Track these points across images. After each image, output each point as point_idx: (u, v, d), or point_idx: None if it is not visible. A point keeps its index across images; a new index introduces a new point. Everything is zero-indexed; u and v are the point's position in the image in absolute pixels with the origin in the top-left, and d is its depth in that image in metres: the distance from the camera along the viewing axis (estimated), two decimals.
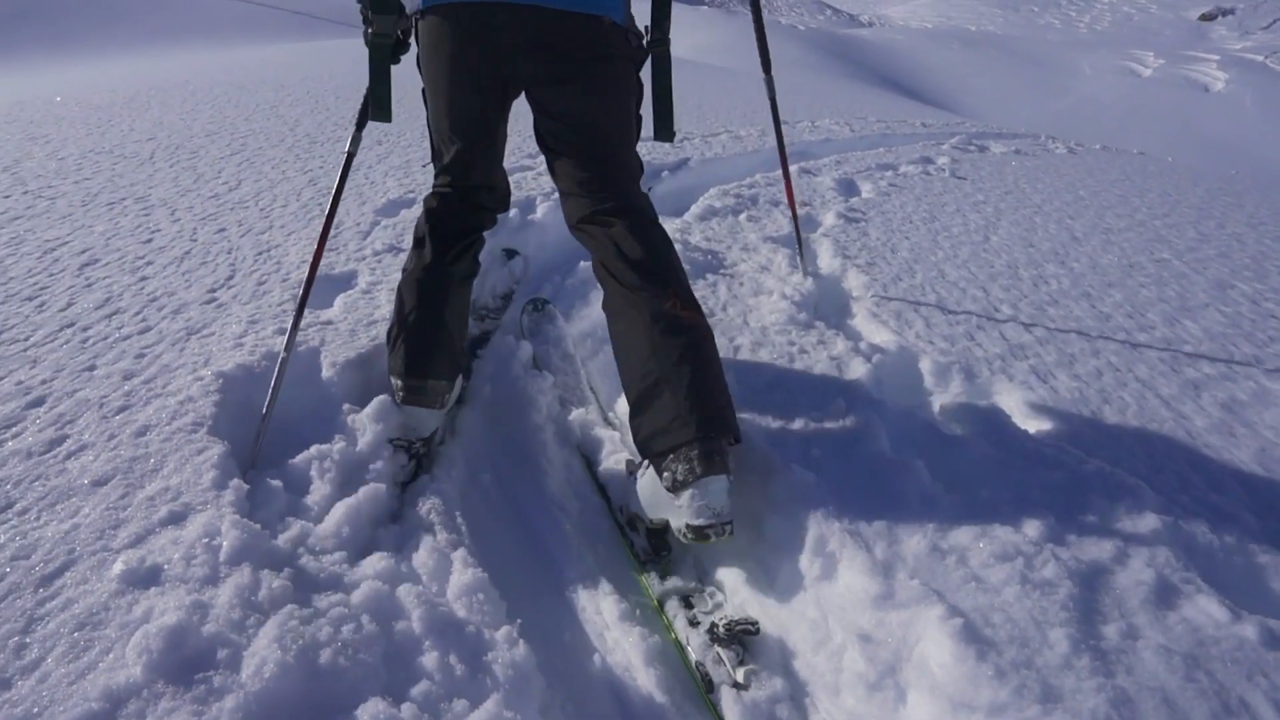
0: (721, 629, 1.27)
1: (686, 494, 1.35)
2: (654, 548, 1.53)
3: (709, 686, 1.23)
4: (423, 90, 1.71)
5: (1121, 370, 2.06)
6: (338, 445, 1.56)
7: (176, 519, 1.26)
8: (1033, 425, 1.76)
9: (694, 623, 1.33)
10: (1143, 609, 1.17)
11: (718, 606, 1.37)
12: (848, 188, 4.06)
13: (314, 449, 1.54)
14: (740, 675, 1.21)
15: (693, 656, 1.28)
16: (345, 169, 1.79)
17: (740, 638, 1.27)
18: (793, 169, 4.42)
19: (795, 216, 2.49)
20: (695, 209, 3.30)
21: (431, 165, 1.82)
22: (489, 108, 1.65)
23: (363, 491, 1.55)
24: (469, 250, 1.77)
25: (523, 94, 1.66)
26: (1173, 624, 1.15)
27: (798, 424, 1.65)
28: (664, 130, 1.75)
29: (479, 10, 1.49)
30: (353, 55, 9.95)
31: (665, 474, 1.39)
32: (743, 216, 3.24)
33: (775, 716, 1.17)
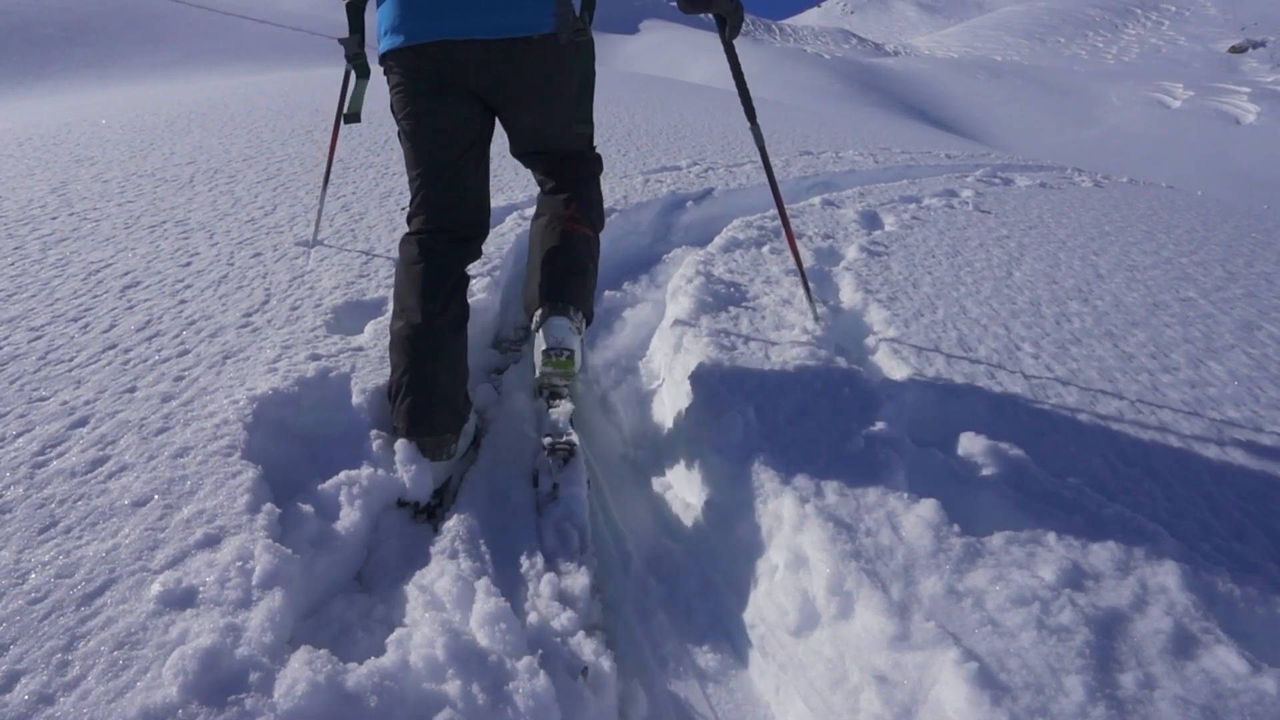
0: (548, 447, 1.78)
1: (539, 334, 1.85)
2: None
3: (534, 482, 1.78)
4: (399, 134, 1.87)
5: (1144, 412, 2.06)
6: (366, 471, 1.60)
7: (212, 541, 1.30)
8: (1052, 467, 1.76)
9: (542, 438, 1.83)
10: (1160, 658, 1.17)
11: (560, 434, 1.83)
12: (871, 220, 4.08)
13: (343, 474, 1.58)
14: (558, 479, 1.73)
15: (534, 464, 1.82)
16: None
17: (562, 455, 1.76)
18: (816, 200, 4.47)
19: (800, 265, 2.48)
20: (719, 240, 3.34)
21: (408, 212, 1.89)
22: (460, 119, 1.80)
23: (390, 518, 1.60)
24: (455, 296, 1.80)
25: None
26: (1191, 675, 1.15)
27: (816, 461, 1.67)
28: (578, 119, 1.91)
29: (434, 50, 1.70)
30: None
31: (532, 328, 1.90)
32: (765, 249, 3.28)
33: (573, 512, 1.68)
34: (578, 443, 1.81)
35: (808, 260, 3.17)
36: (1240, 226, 5.43)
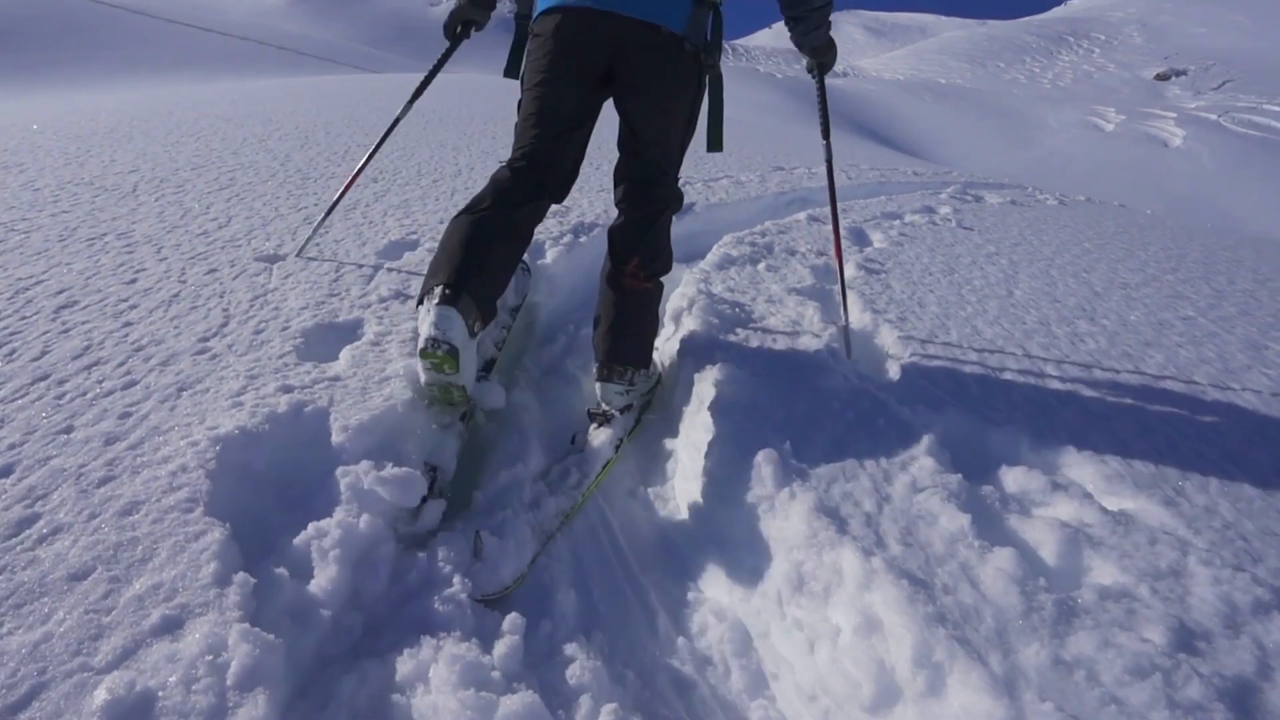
0: (589, 413, 2.06)
1: (596, 389, 2.04)
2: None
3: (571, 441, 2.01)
4: (524, 89, 1.99)
5: (1190, 439, 1.94)
6: (354, 521, 1.37)
7: (172, 626, 1.05)
8: (1115, 502, 1.62)
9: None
10: None
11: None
12: (859, 237, 3.97)
13: (330, 528, 1.35)
14: (587, 435, 1.99)
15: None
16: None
17: (598, 420, 2.03)
18: (801, 216, 4.35)
19: (844, 299, 2.38)
20: (712, 258, 3.17)
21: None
22: (580, 98, 1.94)
23: (377, 578, 1.36)
24: (530, 221, 1.97)
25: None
26: None
27: (865, 503, 1.49)
28: (711, 142, 2.07)
29: (582, 15, 1.83)
30: (343, 91, 9.85)
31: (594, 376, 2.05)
32: (761, 266, 3.12)
33: (585, 458, 1.90)
34: (618, 416, 2.02)
35: (807, 279, 3.03)
36: (1207, 245, 5.51)
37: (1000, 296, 3.06)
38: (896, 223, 4.46)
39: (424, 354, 1.67)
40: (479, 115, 7.69)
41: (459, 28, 2.24)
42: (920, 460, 1.65)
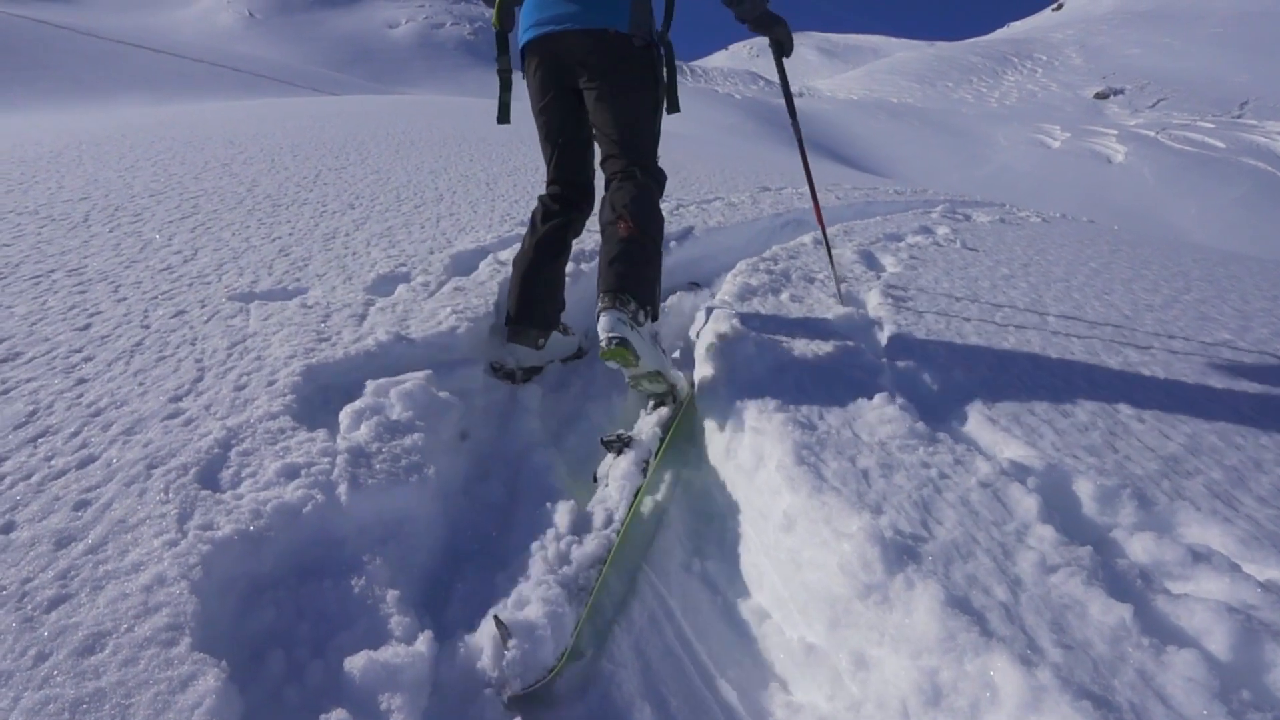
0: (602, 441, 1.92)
1: (598, 320, 1.94)
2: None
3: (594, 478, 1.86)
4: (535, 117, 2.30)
5: None
6: (390, 648, 1.09)
7: None
8: (1260, 571, 1.40)
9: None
10: None
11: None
12: (869, 260, 3.79)
13: (337, 642, 1.06)
14: (607, 471, 1.82)
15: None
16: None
17: (614, 448, 1.88)
18: (805, 239, 4.18)
19: (829, 254, 2.64)
20: (731, 288, 2.94)
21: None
22: (568, 114, 2.22)
23: (435, 706, 1.08)
24: (561, 234, 2.30)
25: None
26: None
27: (999, 593, 1.25)
28: (669, 105, 2.25)
29: (545, 39, 2.13)
30: (306, 113, 9.47)
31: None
32: (785, 296, 2.90)
33: (609, 495, 1.72)
34: (635, 437, 1.90)
35: (837, 309, 2.81)
36: (1199, 260, 5.47)
37: (1036, 325, 2.89)
38: (901, 245, 4.30)
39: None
40: (451, 137, 7.41)
41: None
42: (1036, 529, 1.43)
